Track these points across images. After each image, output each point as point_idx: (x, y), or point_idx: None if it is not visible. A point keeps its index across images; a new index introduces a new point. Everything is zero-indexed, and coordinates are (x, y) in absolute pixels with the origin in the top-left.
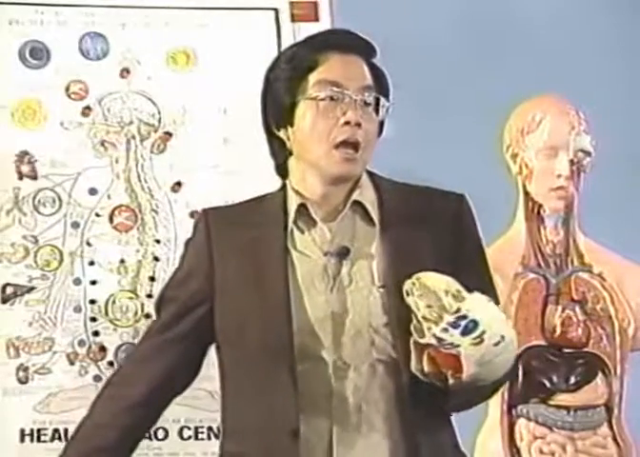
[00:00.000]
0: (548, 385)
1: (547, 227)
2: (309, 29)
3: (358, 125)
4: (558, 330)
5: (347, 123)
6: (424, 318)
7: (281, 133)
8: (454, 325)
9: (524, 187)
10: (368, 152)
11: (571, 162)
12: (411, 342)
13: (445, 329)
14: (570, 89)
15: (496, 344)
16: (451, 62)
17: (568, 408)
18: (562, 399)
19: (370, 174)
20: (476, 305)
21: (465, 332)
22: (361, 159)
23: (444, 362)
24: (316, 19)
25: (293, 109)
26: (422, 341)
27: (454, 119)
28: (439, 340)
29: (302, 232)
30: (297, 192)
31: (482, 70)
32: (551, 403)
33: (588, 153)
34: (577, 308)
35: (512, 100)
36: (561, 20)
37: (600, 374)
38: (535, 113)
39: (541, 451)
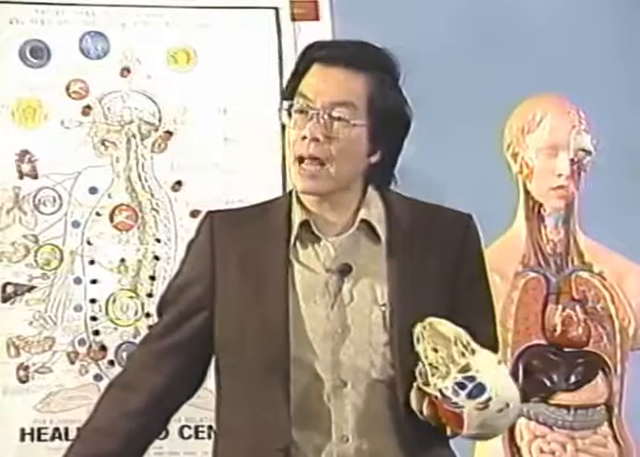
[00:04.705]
0: (548, 384)
1: (547, 226)
2: (309, 29)
3: (316, 139)
4: (559, 329)
5: (304, 137)
6: (431, 365)
7: None
8: (461, 385)
9: (524, 186)
10: (341, 167)
11: (572, 161)
12: (414, 386)
13: (451, 388)
14: (570, 88)
15: (500, 410)
16: (452, 61)
17: (568, 407)
18: (562, 398)
19: (380, 188)
20: (485, 365)
21: (471, 396)
22: (329, 175)
23: (445, 415)
24: (317, 18)
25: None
26: (426, 390)
27: (455, 119)
28: (444, 396)
29: (305, 247)
30: (301, 204)
31: (482, 70)
32: (552, 402)
33: (588, 152)
34: (577, 308)
35: (512, 100)
36: (561, 20)
37: (600, 373)
38: (536, 112)
39: (541, 450)
